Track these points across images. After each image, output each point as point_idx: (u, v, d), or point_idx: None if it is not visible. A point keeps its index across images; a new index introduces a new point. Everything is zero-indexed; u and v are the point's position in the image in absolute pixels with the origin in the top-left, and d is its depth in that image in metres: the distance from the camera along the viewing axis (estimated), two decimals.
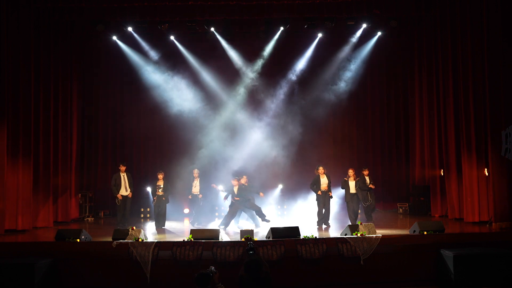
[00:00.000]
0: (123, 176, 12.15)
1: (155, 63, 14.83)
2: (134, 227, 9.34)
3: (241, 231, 9.32)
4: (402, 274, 8.96)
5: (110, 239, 9.13)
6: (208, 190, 13.04)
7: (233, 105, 15.05)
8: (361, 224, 9.45)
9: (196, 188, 12.58)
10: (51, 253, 8.80)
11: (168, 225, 12.16)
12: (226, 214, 11.87)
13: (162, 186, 12.12)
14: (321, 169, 12.11)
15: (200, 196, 12.54)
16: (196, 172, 12.72)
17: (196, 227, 11.77)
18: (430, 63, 13.59)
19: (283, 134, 14.87)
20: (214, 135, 14.83)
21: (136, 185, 13.37)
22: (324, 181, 12.01)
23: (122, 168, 12.23)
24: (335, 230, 11.09)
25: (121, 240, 8.93)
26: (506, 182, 10.42)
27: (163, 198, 12.08)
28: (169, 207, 12.40)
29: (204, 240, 8.92)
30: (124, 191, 12.07)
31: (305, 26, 13.99)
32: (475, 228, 10.68)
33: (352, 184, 12.11)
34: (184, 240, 8.95)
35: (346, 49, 15.04)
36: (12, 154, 10.96)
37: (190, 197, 12.64)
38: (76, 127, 14.14)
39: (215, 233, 9.30)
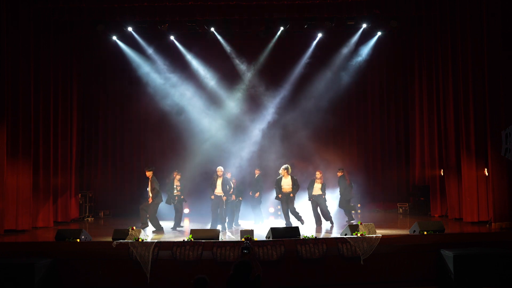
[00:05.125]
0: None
1: (155, 63, 14.84)
2: (134, 227, 9.34)
3: (241, 231, 9.31)
4: (402, 274, 8.96)
5: (110, 239, 9.13)
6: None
7: (233, 104, 15.07)
8: (361, 224, 9.45)
9: (219, 188, 11.45)
10: (51, 253, 8.80)
11: (169, 225, 12.14)
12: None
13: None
14: (317, 174, 11.96)
15: (225, 198, 11.42)
16: (220, 169, 11.54)
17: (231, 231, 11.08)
18: (430, 63, 13.58)
19: (283, 134, 14.88)
20: (214, 134, 14.86)
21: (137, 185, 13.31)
22: (317, 186, 11.88)
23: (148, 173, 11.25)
24: (335, 230, 11.09)
25: (121, 240, 8.93)
26: (506, 182, 10.42)
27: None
28: (168, 207, 12.36)
29: (204, 240, 8.92)
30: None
31: (305, 26, 13.98)
32: (475, 228, 10.66)
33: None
34: (184, 240, 8.94)
35: (346, 49, 15.02)
36: (12, 154, 10.94)
37: (212, 197, 11.49)
38: (76, 127, 14.12)
39: (215, 233, 9.30)
